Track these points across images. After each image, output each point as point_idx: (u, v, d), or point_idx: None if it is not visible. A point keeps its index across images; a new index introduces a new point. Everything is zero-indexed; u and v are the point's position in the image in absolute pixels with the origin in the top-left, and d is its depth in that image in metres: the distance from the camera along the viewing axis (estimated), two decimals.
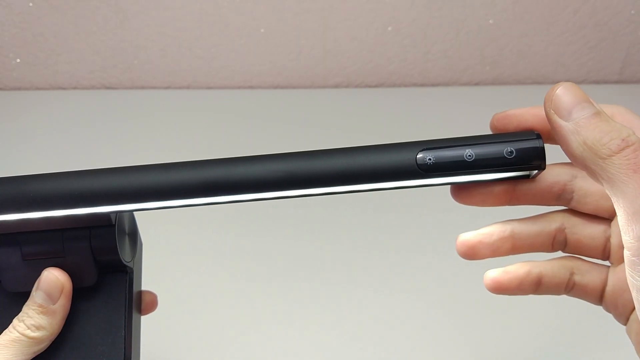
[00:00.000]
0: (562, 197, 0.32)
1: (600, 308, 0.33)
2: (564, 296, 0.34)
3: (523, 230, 0.33)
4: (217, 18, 0.80)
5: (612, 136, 0.25)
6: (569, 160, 0.30)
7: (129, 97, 0.84)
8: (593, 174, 0.26)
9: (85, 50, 0.83)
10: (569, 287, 0.33)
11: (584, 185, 0.31)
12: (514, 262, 0.34)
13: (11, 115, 0.82)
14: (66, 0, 0.78)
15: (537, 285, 0.33)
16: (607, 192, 0.26)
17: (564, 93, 0.27)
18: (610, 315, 0.33)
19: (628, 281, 0.26)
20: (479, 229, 0.33)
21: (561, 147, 0.28)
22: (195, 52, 0.83)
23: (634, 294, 0.26)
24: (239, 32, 0.82)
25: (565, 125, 0.27)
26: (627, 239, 0.25)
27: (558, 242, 0.33)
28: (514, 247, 0.33)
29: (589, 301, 0.33)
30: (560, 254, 0.34)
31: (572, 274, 0.33)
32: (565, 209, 0.33)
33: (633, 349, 0.30)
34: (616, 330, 0.33)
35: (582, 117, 0.26)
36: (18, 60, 0.84)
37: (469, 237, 0.33)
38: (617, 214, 0.25)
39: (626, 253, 0.25)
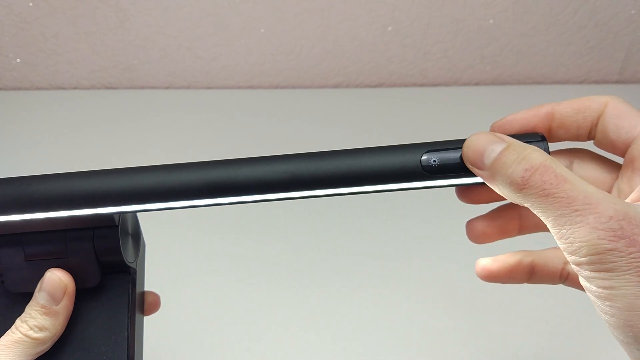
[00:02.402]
0: None
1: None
2: (563, 296, 0.34)
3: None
4: (217, 18, 0.80)
5: (515, 169, 0.26)
6: (567, 147, 0.31)
7: (129, 97, 0.84)
8: (523, 205, 0.27)
9: (85, 50, 0.83)
10: (564, 277, 0.34)
11: (580, 172, 0.32)
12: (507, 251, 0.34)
13: (11, 115, 0.82)
14: (66, 0, 0.78)
15: (529, 274, 0.34)
16: (534, 212, 0.27)
17: (469, 146, 0.29)
18: None
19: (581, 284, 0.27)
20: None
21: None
22: (195, 52, 0.83)
23: (588, 295, 0.27)
24: (239, 32, 0.82)
25: (484, 175, 0.28)
26: (564, 254, 0.27)
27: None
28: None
29: (583, 290, 0.34)
30: (553, 243, 0.34)
31: (565, 263, 0.34)
32: None
33: None
34: None
35: (490, 162, 0.28)
36: (18, 60, 0.84)
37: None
38: (547, 225, 0.27)
39: (570, 258, 0.26)
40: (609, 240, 0.24)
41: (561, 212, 0.25)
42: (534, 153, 0.27)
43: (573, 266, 0.26)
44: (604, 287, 0.25)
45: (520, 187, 0.26)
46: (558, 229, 0.26)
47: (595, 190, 0.26)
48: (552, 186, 0.26)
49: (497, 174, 0.27)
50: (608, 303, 0.25)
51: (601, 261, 0.25)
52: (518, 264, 0.34)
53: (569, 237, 0.25)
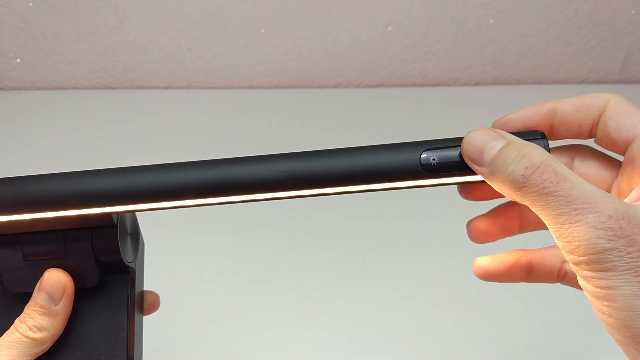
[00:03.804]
0: None
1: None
2: (563, 296, 0.34)
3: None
4: (217, 18, 0.80)
5: (516, 167, 0.26)
6: (568, 143, 0.31)
7: (129, 97, 0.84)
8: (522, 202, 0.27)
9: (85, 50, 0.83)
10: (561, 275, 0.34)
11: (580, 169, 0.32)
12: (505, 249, 0.34)
13: (11, 115, 0.82)
14: (66, 0, 0.78)
15: (527, 273, 0.34)
16: (533, 211, 0.27)
17: (469, 142, 0.28)
18: None
19: (579, 283, 0.27)
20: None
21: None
22: (195, 52, 0.83)
23: (586, 295, 0.27)
24: (239, 32, 0.82)
25: (483, 171, 0.28)
26: (562, 252, 0.26)
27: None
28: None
29: (581, 289, 0.34)
30: (551, 242, 0.34)
31: (563, 262, 0.34)
32: None
33: None
34: None
35: (490, 159, 0.27)
36: (18, 60, 0.84)
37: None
38: (546, 224, 0.27)
39: (568, 257, 0.26)
40: (608, 240, 0.24)
41: (560, 211, 0.25)
42: (534, 151, 0.27)
43: (571, 265, 0.26)
44: (602, 287, 0.25)
45: (520, 185, 0.26)
46: (557, 227, 0.26)
47: (595, 189, 0.25)
48: (552, 184, 0.25)
49: (496, 171, 0.27)
50: (606, 303, 0.25)
51: (600, 260, 0.25)
52: (515, 263, 0.34)
53: (568, 236, 0.25)
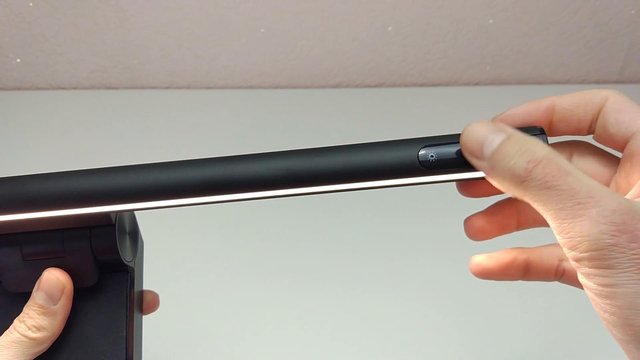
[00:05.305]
0: None
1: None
2: (563, 297, 0.34)
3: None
4: (217, 18, 0.80)
5: (518, 161, 0.26)
6: (567, 139, 0.31)
7: (129, 97, 0.84)
8: (523, 198, 0.27)
9: (85, 50, 0.83)
10: (559, 274, 0.34)
11: (578, 165, 0.32)
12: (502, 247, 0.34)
13: (11, 115, 0.82)
14: (66, 0, 0.78)
15: (524, 271, 0.34)
16: (538, 211, 0.26)
17: (469, 134, 0.28)
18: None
19: (579, 280, 0.27)
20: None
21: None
22: (195, 52, 0.83)
23: (586, 292, 0.26)
24: (239, 32, 0.82)
25: (482, 165, 0.27)
26: (563, 249, 0.26)
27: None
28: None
29: (579, 287, 0.34)
30: (550, 240, 0.34)
31: (561, 260, 0.33)
32: None
33: None
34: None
35: (491, 152, 0.27)
36: (18, 60, 0.84)
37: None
38: (547, 220, 0.26)
39: (569, 253, 0.26)
40: (611, 235, 0.24)
41: (563, 205, 0.25)
42: (537, 145, 0.26)
43: (572, 262, 0.26)
44: (604, 285, 0.25)
45: (522, 179, 0.26)
46: (559, 222, 0.25)
47: (598, 184, 0.25)
48: (554, 179, 0.25)
49: (497, 165, 0.27)
50: (608, 301, 0.25)
51: (602, 257, 0.24)
52: (512, 261, 0.33)
53: (570, 232, 0.25)
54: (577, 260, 0.25)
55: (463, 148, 0.28)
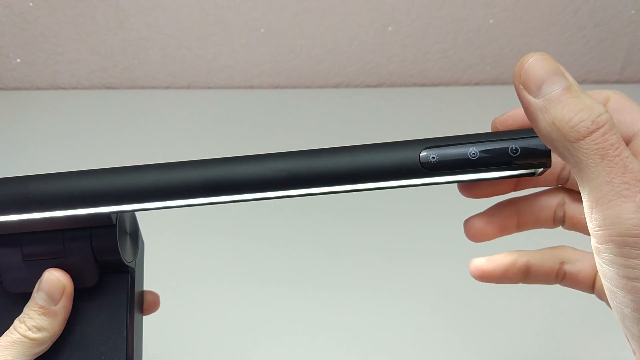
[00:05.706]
0: (561, 177, 0.33)
1: (598, 308, 0.33)
2: (562, 297, 0.34)
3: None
4: (217, 18, 0.80)
5: (582, 117, 0.24)
6: None
7: (129, 97, 0.84)
8: (562, 156, 0.25)
9: (85, 50, 0.83)
10: (560, 276, 0.33)
11: None
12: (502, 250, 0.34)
13: (11, 115, 0.82)
14: (66, 0, 0.78)
15: (525, 274, 0.33)
16: (574, 175, 0.25)
17: (533, 66, 0.25)
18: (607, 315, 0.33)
19: (597, 268, 0.25)
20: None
21: (531, 124, 0.26)
22: (195, 52, 0.83)
23: (603, 282, 0.25)
24: (239, 32, 0.82)
25: (534, 102, 0.25)
26: (591, 226, 0.24)
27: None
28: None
29: (581, 290, 0.34)
30: (551, 242, 0.34)
31: (562, 263, 0.33)
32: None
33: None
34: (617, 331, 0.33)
35: (551, 93, 0.25)
36: (18, 60, 0.84)
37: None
38: (583, 199, 0.25)
39: (592, 240, 0.25)
40: None
41: (609, 180, 0.23)
42: (600, 107, 0.24)
43: (596, 245, 0.24)
44: (629, 278, 0.23)
45: (577, 137, 0.24)
46: (597, 197, 0.23)
47: None
48: (612, 148, 0.23)
49: (554, 109, 0.24)
50: (630, 296, 0.23)
51: (635, 245, 0.23)
52: (513, 264, 0.33)
53: (608, 210, 0.23)
54: (605, 242, 0.24)
55: (517, 74, 0.26)
